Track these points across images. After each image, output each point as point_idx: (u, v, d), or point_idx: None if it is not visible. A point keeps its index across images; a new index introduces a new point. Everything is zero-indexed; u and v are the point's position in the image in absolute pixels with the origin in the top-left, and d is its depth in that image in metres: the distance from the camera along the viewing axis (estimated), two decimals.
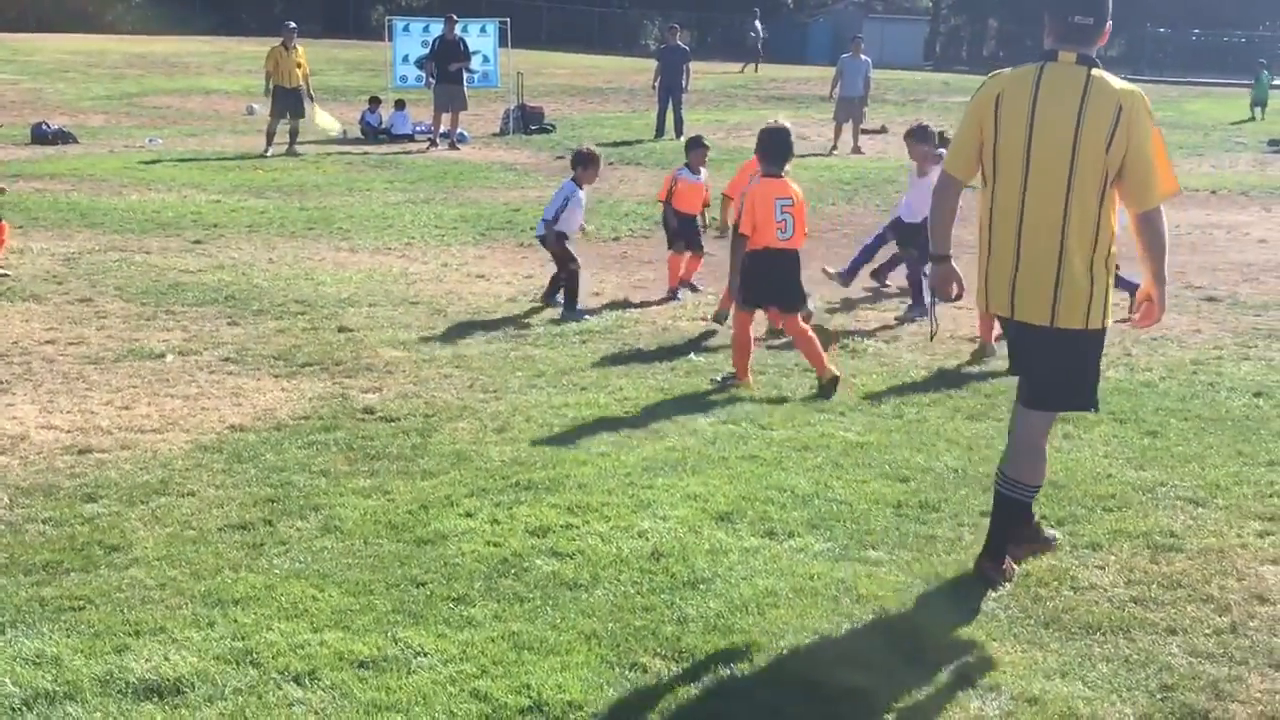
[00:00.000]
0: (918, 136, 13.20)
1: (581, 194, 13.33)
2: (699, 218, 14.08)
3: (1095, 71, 6.15)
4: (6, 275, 13.55)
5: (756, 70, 51.29)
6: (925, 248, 13.01)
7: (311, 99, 27.74)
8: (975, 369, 11.00)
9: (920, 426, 9.35)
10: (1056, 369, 6.43)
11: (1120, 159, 6.07)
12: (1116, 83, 6.13)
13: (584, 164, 13.39)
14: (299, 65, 26.80)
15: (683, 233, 14.02)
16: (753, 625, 6.05)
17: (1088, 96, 6.09)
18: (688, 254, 14.07)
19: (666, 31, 34.21)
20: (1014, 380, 10.31)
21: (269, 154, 26.10)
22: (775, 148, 10.16)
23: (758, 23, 54.28)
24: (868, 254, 14.05)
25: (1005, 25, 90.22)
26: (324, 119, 29.22)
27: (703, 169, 14.20)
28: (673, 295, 13.92)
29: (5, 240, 13.96)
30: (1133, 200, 6.18)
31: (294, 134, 26.89)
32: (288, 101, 26.75)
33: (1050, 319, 6.29)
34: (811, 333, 10.42)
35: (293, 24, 27.87)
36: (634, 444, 8.79)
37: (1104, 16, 6.24)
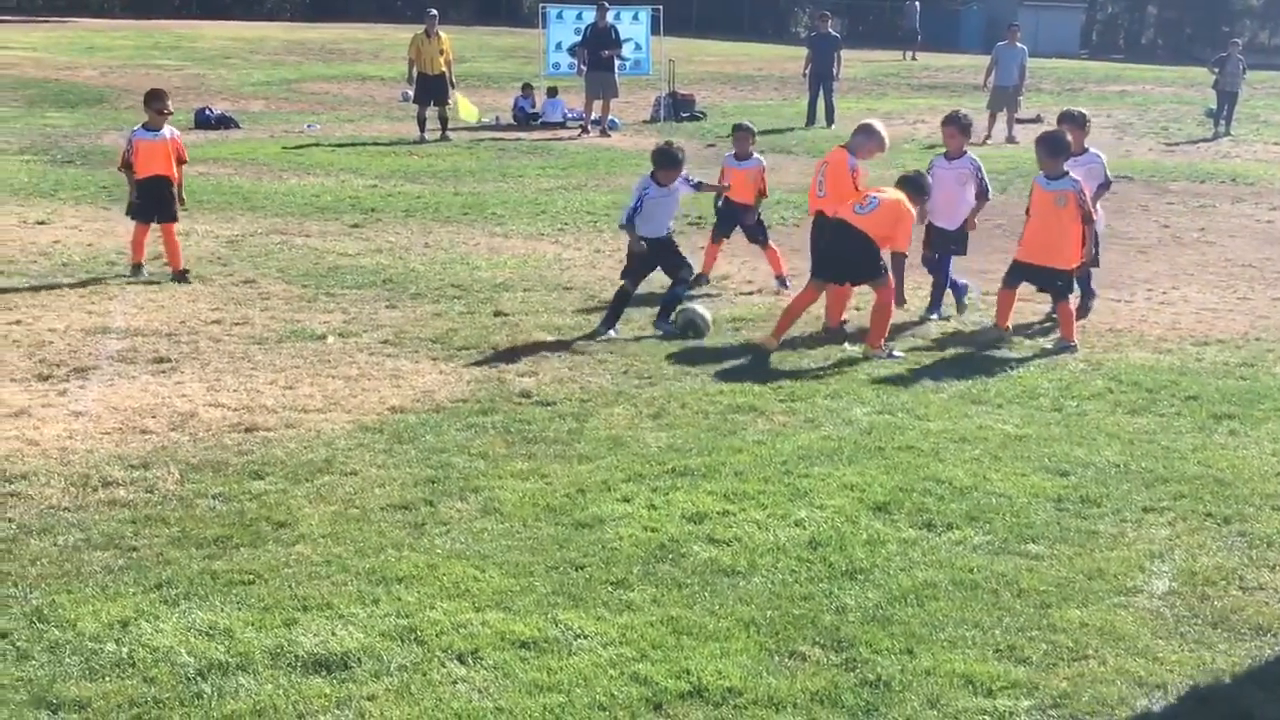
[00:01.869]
0: (958, 124, 12.60)
1: (657, 191, 11.54)
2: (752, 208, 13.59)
3: None
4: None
5: (915, 58, 50.69)
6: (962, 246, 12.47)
7: (453, 86, 27.88)
8: (1139, 359, 10.81)
9: (1080, 420, 9.21)
10: None
11: None
12: None
13: (656, 163, 11.74)
14: (441, 52, 27.01)
15: (724, 222, 13.73)
16: (912, 616, 6.01)
17: None
18: (765, 247, 13.73)
19: (818, 19, 34.00)
20: (1173, 378, 10.18)
21: (426, 139, 26.42)
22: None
23: (917, 4, 53.59)
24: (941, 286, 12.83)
25: (1164, 13, 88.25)
26: (465, 108, 29.40)
27: (754, 154, 13.85)
28: (703, 279, 13.51)
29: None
30: None
31: (444, 120, 27.16)
32: (431, 89, 27.01)
33: None
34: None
35: (434, 11, 28.09)
36: (789, 433, 8.78)
37: None
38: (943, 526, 7.14)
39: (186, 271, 13.38)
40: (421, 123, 26.84)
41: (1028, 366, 10.67)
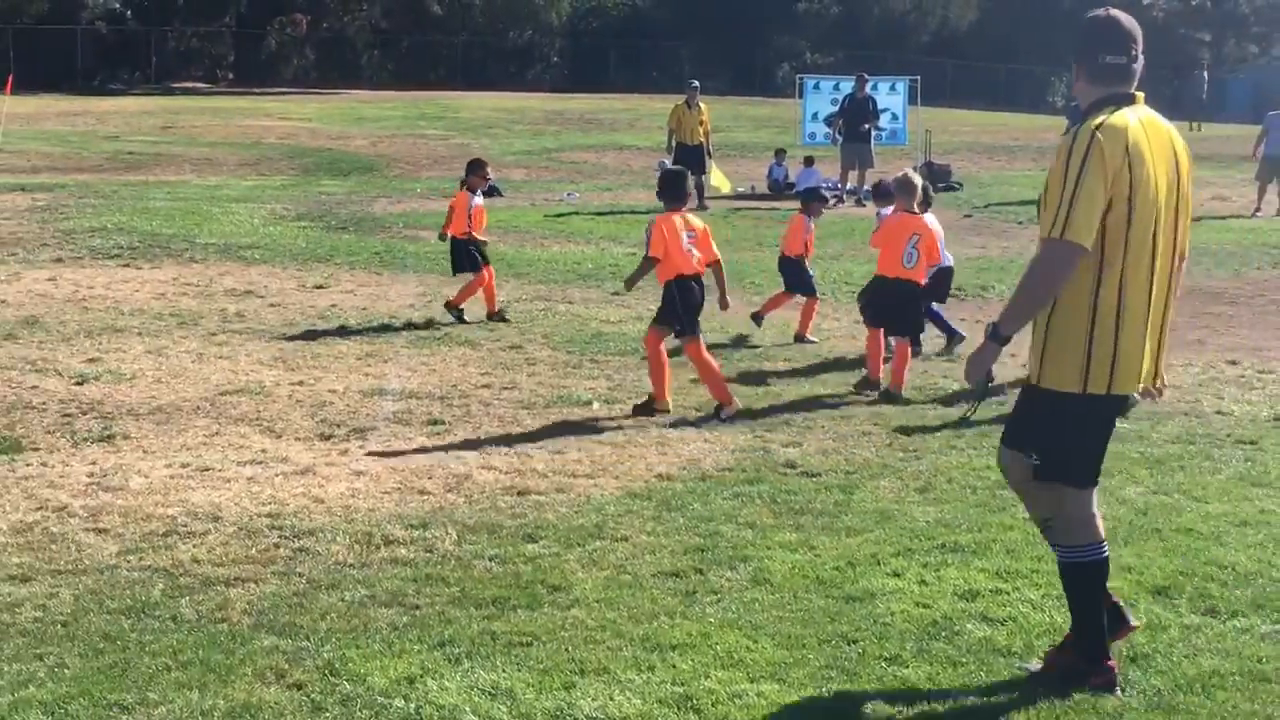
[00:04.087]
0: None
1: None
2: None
3: None
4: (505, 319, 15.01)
5: (1200, 128, 49.07)
6: None
7: (710, 155, 28.21)
8: None
9: None
10: None
11: None
12: None
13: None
14: (701, 123, 27.40)
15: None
16: (1199, 706, 5.83)
17: None
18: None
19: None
20: None
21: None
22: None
23: (1205, 74, 51.95)
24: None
25: None
26: (719, 177, 29.69)
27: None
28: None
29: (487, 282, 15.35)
30: None
31: (701, 190, 27.47)
32: (690, 159, 27.37)
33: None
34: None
35: (696, 82, 28.53)
36: None
37: None
38: (1227, 613, 6.92)
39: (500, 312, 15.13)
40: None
41: None
